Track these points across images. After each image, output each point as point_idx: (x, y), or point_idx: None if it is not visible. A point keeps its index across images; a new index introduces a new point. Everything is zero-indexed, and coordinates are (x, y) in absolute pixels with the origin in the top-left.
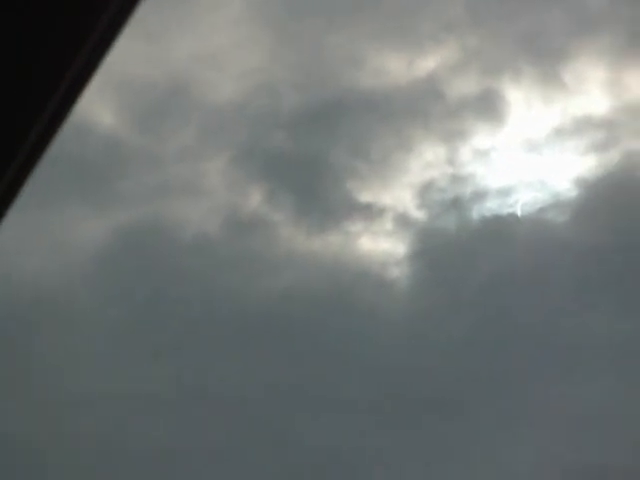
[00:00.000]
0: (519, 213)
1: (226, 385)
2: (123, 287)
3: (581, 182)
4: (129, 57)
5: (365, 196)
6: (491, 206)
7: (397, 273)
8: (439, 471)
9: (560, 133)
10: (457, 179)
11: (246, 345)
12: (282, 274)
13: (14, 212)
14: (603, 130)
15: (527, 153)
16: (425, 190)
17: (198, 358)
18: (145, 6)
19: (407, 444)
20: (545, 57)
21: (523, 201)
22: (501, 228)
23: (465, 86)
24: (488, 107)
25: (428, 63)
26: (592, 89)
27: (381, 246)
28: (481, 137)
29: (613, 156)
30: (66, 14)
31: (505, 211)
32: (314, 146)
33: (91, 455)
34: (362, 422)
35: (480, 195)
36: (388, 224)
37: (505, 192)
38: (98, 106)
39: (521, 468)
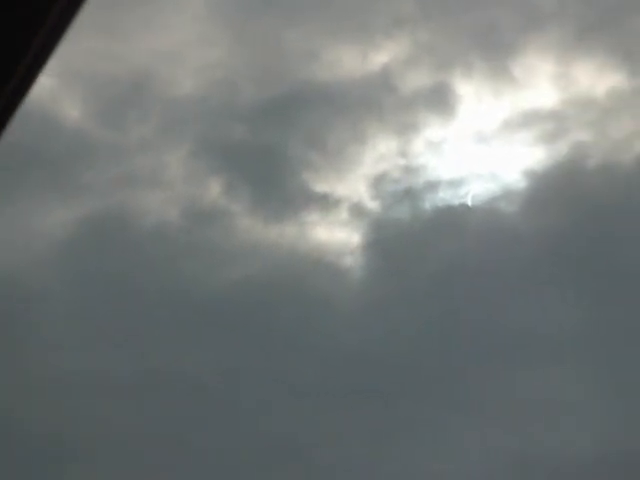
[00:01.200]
0: (470, 203)
1: (182, 370)
2: (86, 274)
3: (530, 173)
4: (92, 53)
5: (321, 187)
6: (443, 197)
7: (351, 262)
8: (386, 453)
9: (510, 125)
10: (410, 170)
11: (203, 331)
12: (239, 263)
13: None
14: (552, 122)
15: (478, 145)
16: (379, 181)
17: (156, 343)
18: (107, 4)
19: (356, 429)
20: (495, 51)
21: (474, 192)
22: (453, 218)
23: (417, 80)
24: (440, 100)
25: (381, 57)
26: (541, 82)
27: (336, 236)
28: (433, 129)
29: (561, 147)
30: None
31: (457, 201)
32: (271, 138)
33: (46, 438)
34: (314, 407)
35: (432, 186)
36: (343, 214)
37: (457, 183)
38: (63, 100)
39: (467, 453)
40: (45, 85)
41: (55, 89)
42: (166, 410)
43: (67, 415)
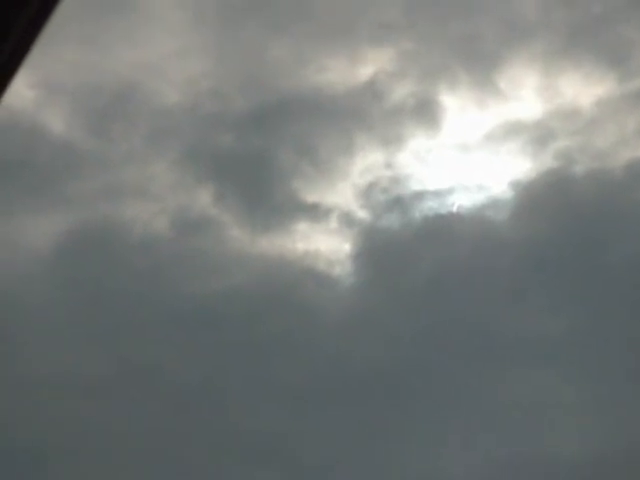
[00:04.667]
0: (458, 212)
1: (170, 373)
2: (72, 284)
3: (516, 183)
4: (76, 66)
5: (310, 196)
6: (432, 205)
7: (341, 271)
8: (369, 452)
9: (495, 136)
10: (398, 180)
11: (191, 337)
12: (228, 272)
13: None
14: (537, 133)
15: (464, 155)
16: (368, 190)
17: (144, 348)
18: (89, 17)
19: (345, 431)
20: (480, 63)
21: (460, 202)
22: (441, 227)
23: (403, 91)
24: (426, 111)
25: (367, 69)
26: (526, 94)
27: (326, 245)
28: (419, 140)
29: (547, 157)
30: None
31: (445, 210)
32: (260, 148)
33: (36, 439)
34: (302, 410)
35: (420, 195)
36: (333, 223)
37: (443, 193)
38: (48, 112)
39: (458, 455)
40: (29, 97)
41: (39, 101)
42: (154, 411)
43: (53, 417)
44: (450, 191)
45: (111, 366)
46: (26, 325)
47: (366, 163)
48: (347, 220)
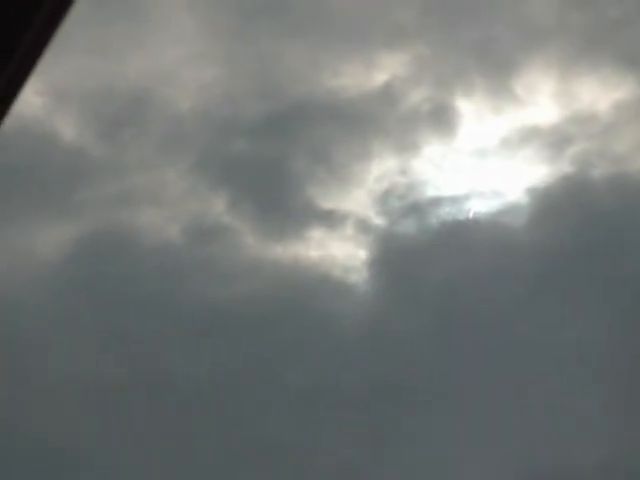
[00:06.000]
0: (475, 218)
1: (182, 376)
2: (84, 291)
3: (532, 189)
4: (87, 72)
5: (326, 203)
6: (448, 211)
7: (357, 278)
8: (381, 461)
9: (511, 142)
10: (414, 186)
11: (204, 342)
12: (242, 279)
13: None
14: (554, 138)
15: (480, 161)
16: (384, 197)
17: (154, 354)
18: (100, 23)
19: (355, 437)
20: (496, 68)
21: (478, 207)
22: (458, 233)
23: (419, 96)
24: (441, 117)
25: (383, 74)
26: (542, 99)
27: (341, 252)
28: (435, 146)
29: (563, 163)
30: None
31: (461, 216)
32: (275, 153)
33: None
34: (315, 414)
35: (436, 202)
36: (348, 230)
37: (461, 199)
38: (59, 119)
39: (472, 463)
40: (40, 104)
41: (50, 108)
42: (166, 415)
43: (68, 420)
44: (466, 197)
45: (123, 371)
46: (39, 332)
47: (382, 169)
48: (363, 227)
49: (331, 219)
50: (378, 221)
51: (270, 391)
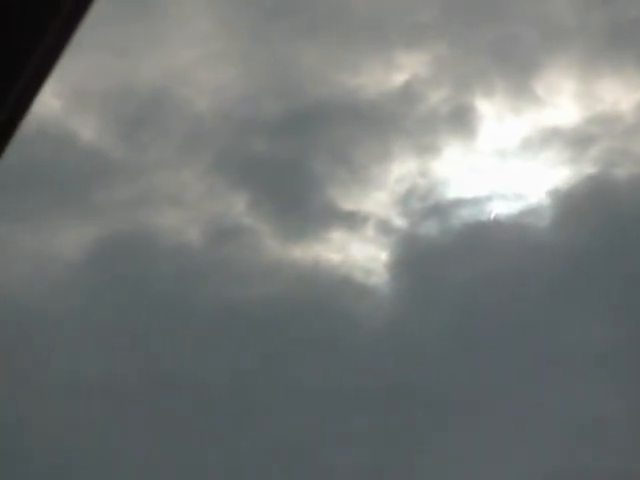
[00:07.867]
0: (497, 219)
1: (196, 376)
2: (103, 292)
3: (554, 191)
4: (104, 72)
5: (346, 204)
6: (470, 213)
7: (377, 280)
8: (399, 464)
9: (532, 143)
10: (435, 187)
11: (221, 342)
12: (262, 281)
13: None
14: (575, 140)
15: (501, 162)
16: (406, 198)
17: (173, 355)
18: (118, 23)
19: (374, 439)
20: (517, 69)
21: (500, 208)
22: (480, 235)
23: (439, 97)
24: (462, 118)
25: (402, 75)
26: (564, 100)
27: (362, 253)
28: (455, 148)
29: (585, 164)
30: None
31: (483, 218)
32: (295, 154)
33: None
34: (330, 416)
35: (458, 203)
36: (370, 231)
37: (483, 200)
38: (78, 119)
39: (493, 469)
40: (58, 104)
41: (69, 108)
42: (182, 415)
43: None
44: (488, 199)
45: (141, 372)
46: (56, 333)
47: (402, 170)
48: (384, 228)
49: (352, 220)
50: (399, 222)
51: (287, 392)
